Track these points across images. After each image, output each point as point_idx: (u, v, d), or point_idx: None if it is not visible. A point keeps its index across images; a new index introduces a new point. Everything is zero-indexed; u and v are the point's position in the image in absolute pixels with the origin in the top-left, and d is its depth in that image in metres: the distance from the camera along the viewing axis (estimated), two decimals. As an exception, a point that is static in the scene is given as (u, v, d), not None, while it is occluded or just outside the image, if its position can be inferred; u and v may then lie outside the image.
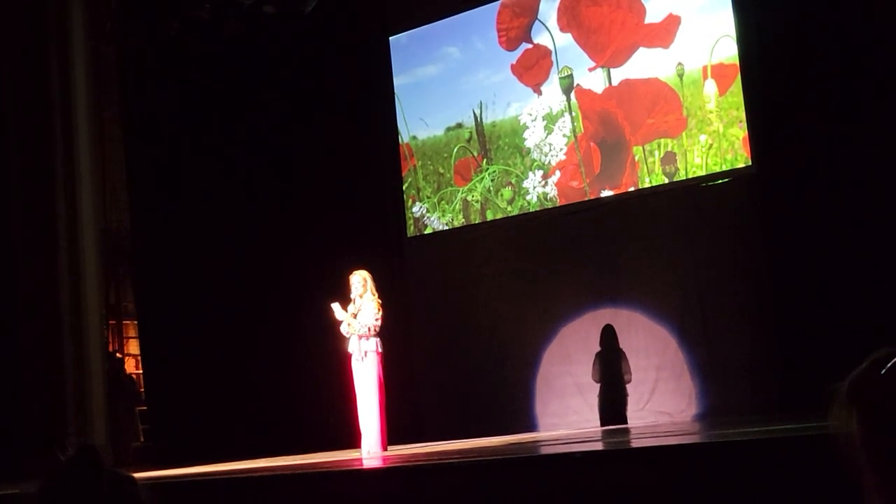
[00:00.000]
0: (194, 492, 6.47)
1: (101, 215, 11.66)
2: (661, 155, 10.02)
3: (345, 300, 8.42)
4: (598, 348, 10.08)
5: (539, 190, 10.73)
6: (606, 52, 10.36)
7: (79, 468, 1.72)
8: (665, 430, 8.15)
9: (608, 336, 10.01)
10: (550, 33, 10.73)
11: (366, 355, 8.30)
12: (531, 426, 10.40)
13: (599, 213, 10.39)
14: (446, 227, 11.34)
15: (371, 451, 8.20)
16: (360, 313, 8.31)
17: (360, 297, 8.34)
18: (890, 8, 8.48)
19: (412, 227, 11.53)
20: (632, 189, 10.22)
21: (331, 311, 8.37)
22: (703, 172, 9.81)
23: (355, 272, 8.47)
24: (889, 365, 1.47)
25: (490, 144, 11.08)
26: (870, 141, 8.51)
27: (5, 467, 9.38)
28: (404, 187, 11.58)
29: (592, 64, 10.45)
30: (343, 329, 8.39)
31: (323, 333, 9.25)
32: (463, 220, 11.25)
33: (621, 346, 10.01)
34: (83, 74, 11.18)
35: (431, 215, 11.41)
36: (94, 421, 10.50)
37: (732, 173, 9.67)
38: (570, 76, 10.59)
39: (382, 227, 11.57)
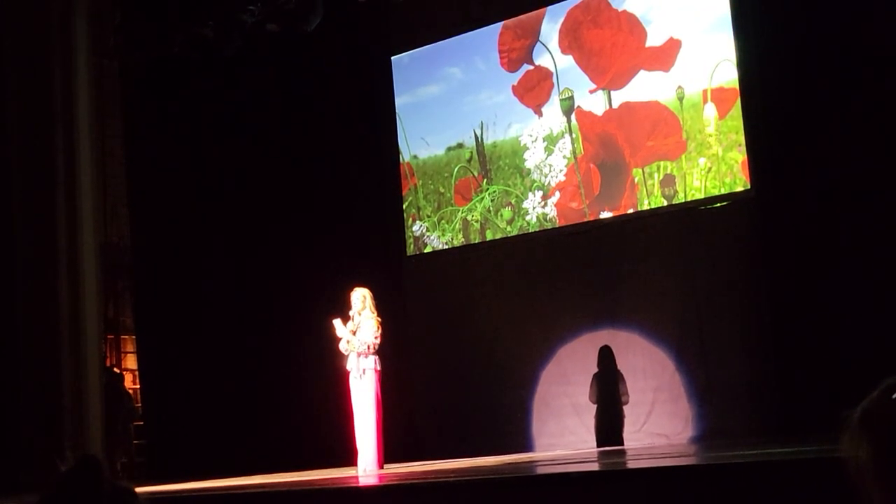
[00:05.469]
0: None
1: (101, 230, 11.65)
2: (661, 177, 10.06)
3: (344, 318, 8.43)
4: (595, 369, 10.08)
5: (539, 210, 10.76)
6: (607, 75, 10.41)
7: (79, 479, 1.72)
8: (662, 451, 8.15)
9: (606, 357, 10.01)
10: (552, 55, 10.79)
11: (364, 373, 8.30)
12: (528, 446, 10.39)
13: (598, 234, 10.42)
14: (446, 247, 11.37)
15: (368, 468, 8.20)
16: (359, 331, 8.32)
17: (360, 314, 8.35)
18: (888, 34, 8.54)
19: (412, 246, 11.56)
20: (631, 211, 10.26)
21: (332, 327, 8.38)
22: (701, 195, 9.85)
23: (355, 289, 8.48)
24: None
25: (490, 164, 11.12)
26: (868, 165, 8.56)
27: (2, 479, 9.36)
28: (404, 206, 11.61)
29: (593, 86, 10.51)
30: (342, 346, 8.39)
31: (321, 350, 9.27)
32: (462, 239, 11.27)
33: (619, 367, 10.01)
34: (86, 89, 11.20)
35: (431, 234, 11.44)
36: (91, 434, 10.48)
37: (731, 197, 9.71)
38: (571, 98, 10.64)
39: (382, 245, 11.59)
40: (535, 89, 10.90)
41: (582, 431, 10.14)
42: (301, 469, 9.37)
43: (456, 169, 11.35)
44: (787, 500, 4.38)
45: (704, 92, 9.84)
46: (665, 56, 10.07)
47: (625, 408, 9.95)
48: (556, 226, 10.70)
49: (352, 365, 8.37)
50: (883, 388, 1.50)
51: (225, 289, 11.89)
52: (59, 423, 10.30)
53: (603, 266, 10.32)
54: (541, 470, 7.17)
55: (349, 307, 8.45)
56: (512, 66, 11.07)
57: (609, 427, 9.91)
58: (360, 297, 8.40)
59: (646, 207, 10.17)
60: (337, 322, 8.35)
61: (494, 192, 11.08)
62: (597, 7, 10.55)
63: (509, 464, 8.23)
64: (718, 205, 9.83)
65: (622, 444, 9.76)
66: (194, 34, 10.41)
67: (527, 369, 10.54)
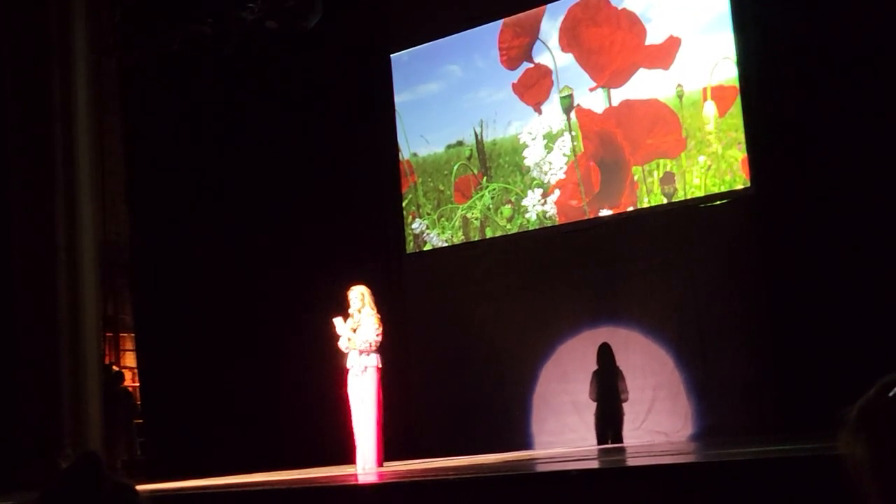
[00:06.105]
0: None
1: (99, 227, 11.65)
2: (660, 175, 10.06)
3: (344, 315, 8.43)
4: (595, 367, 10.08)
5: (538, 208, 10.76)
6: (607, 73, 10.41)
7: (79, 475, 1.71)
8: (661, 449, 8.15)
9: (604, 354, 10.02)
10: (551, 53, 10.79)
11: (365, 370, 8.31)
12: (527, 444, 10.39)
13: (598, 232, 10.41)
14: (446, 244, 11.36)
15: (367, 466, 8.20)
16: (360, 328, 8.32)
17: (359, 311, 8.36)
18: (888, 31, 8.54)
19: (412, 244, 11.56)
20: (630, 209, 10.25)
21: (332, 325, 8.38)
22: (701, 193, 9.85)
23: (353, 287, 8.49)
24: None
25: (490, 162, 11.11)
26: (868, 163, 8.56)
27: (1, 478, 9.36)
28: (404, 204, 11.61)
29: (593, 84, 10.50)
30: (342, 344, 8.39)
31: (321, 348, 9.27)
32: (462, 237, 11.27)
33: (619, 364, 10.01)
34: (85, 86, 11.19)
35: (431, 232, 11.44)
36: (90, 432, 10.48)
37: (731, 195, 9.71)
38: (571, 96, 10.64)
39: (382, 243, 11.59)
40: (534, 87, 10.89)
41: (581, 429, 10.14)
42: (300, 467, 9.37)
43: (456, 167, 11.34)
44: (785, 497, 4.38)
45: (704, 90, 9.84)
46: (665, 54, 10.06)
47: (624, 405, 9.96)
48: (556, 223, 10.70)
49: (352, 363, 8.37)
50: (879, 386, 1.50)
51: (224, 286, 11.88)
52: (58, 421, 10.30)
53: (602, 264, 10.32)
54: (540, 468, 7.16)
55: (348, 305, 8.45)
56: (512, 64, 11.06)
57: (609, 424, 9.92)
58: (359, 295, 8.40)
59: (645, 205, 10.17)
60: (338, 320, 8.35)
61: (494, 189, 11.08)
62: (596, 5, 10.54)
63: (509, 461, 8.23)
64: (718, 202, 9.83)
65: (622, 441, 9.77)
66: (193, 32, 10.41)
67: (526, 367, 10.55)
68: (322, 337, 8.82)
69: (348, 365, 8.40)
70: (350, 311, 8.42)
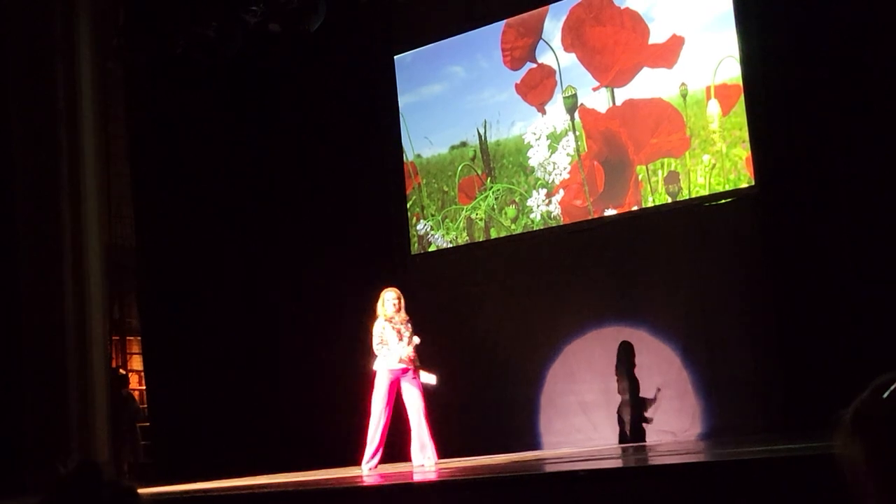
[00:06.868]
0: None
1: (105, 231, 11.68)
2: (665, 174, 10.05)
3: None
4: (601, 366, 10.08)
5: (543, 208, 10.75)
6: (610, 72, 10.40)
7: (79, 481, 1.72)
8: (668, 449, 8.14)
9: (624, 352, 10.02)
10: (555, 53, 10.78)
11: (415, 375, 8.51)
12: (534, 444, 10.39)
13: (603, 231, 10.40)
14: (450, 245, 11.36)
15: (434, 461, 8.40)
16: (408, 340, 8.41)
17: (397, 313, 8.41)
18: (892, 29, 8.52)
19: (416, 245, 11.56)
20: (635, 208, 10.24)
21: (376, 328, 8.44)
22: (705, 192, 9.84)
23: (390, 289, 8.52)
24: (891, 390, 1.48)
25: (494, 163, 11.11)
26: (872, 161, 8.54)
27: (7, 481, 9.38)
28: (409, 205, 11.61)
29: (596, 84, 10.49)
30: (389, 353, 8.42)
31: (327, 350, 9.28)
32: (467, 237, 11.27)
33: (626, 364, 10.01)
34: (89, 90, 11.23)
35: (435, 233, 11.43)
36: (97, 436, 10.50)
37: (735, 193, 9.69)
38: (574, 96, 10.63)
39: (387, 244, 11.59)
40: (538, 87, 10.89)
41: (589, 429, 10.14)
42: (306, 469, 9.38)
43: (460, 167, 11.34)
44: (792, 496, 4.38)
45: (708, 88, 9.82)
46: (668, 53, 10.05)
47: (631, 404, 9.95)
48: (561, 224, 10.68)
49: (400, 364, 8.42)
50: (873, 388, 1.50)
51: (230, 289, 11.90)
52: (65, 424, 10.33)
53: (608, 263, 10.31)
54: (548, 468, 7.16)
55: (376, 304, 8.48)
56: (515, 65, 11.06)
57: (631, 421, 9.95)
58: (396, 296, 8.48)
59: (650, 205, 10.16)
60: (396, 338, 8.38)
61: (498, 190, 11.07)
62: (599, 4, 10.54)
63: (516, 462, 8.23)
64: (723, 201, 9.81)
65: (640, 439, 9.77)
66: (197, 34, 10.43)
67: (533, 367, 10.53)
68: (329, 338, 8.83)
69: (391, 367, 8.44)
70: (383, 311, 8.43)
